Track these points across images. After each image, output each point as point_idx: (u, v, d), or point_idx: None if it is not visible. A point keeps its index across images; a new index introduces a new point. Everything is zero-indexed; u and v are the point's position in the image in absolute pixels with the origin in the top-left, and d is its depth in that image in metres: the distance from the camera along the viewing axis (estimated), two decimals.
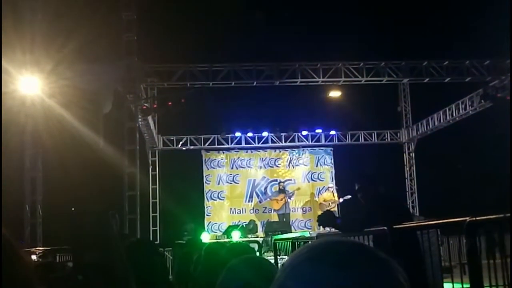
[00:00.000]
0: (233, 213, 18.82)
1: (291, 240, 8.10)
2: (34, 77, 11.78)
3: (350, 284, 0.86)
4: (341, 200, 17.13)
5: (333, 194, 17.70)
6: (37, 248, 10.79)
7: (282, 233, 15.30)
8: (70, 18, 11.46)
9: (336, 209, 17.43)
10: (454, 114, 17.29)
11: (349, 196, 16.25)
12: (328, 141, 19.80)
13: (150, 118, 16.21)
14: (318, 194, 19.11)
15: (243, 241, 11.62)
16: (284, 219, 17.60)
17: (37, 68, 11.77)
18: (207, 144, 19.24)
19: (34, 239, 13.19)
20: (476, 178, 15.98)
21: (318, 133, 19.65)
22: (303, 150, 19.58)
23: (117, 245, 2.26)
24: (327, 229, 6.86)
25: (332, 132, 19.66)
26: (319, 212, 17.61)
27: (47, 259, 7.68)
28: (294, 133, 19.50)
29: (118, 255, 2.23)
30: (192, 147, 19.25)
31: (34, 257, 8.51)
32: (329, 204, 17.61)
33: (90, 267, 2.20)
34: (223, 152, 19.28)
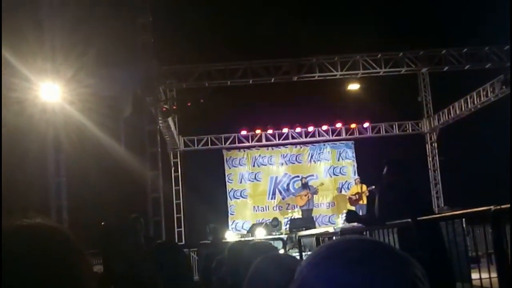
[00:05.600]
0: (256, 211, 18.86)
1: (315, 236, 8.09)
2: (55, 84, 11.93)
3: (368, 281, 0.86)
4: (367, 191, 17.09)
5: (360, 186, 17.63)
6: None
7: (306, 229, 15.29)
8: (88, 24, 11.57)
9: (364, 201, 17.36)
10: (475, 102, 17.09)
11: (373, 187, 16.21)
12: (349, 135, 19.72)
13: (170, 120, 16.30)
14: (341, 189, 19.07)
15: (266, 239, 11.63)
16: (308, 215, 17.59)
17: (58, 75, 11.92)
18: (227, 143, 19.29)
19: None
20: (501, 165, 15.74)
21: (338, 127, 19.58)
22: (324, 145, 19.53)
23: (144, 257, 2.30)
24: (352, 224, 6.93)
25: (353, 126, 19.56)
26: (348, 207, 17.75)
27: None
28: (314, 128, 19.45)
29: (145, 265, 2.27)
30: (213, 146, 19.33)
31: None
32: (355, 197, 17.57)
33: (119, 277, 2.24)
34: (244, 150, 19.32)
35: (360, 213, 16.89)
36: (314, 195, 18.13)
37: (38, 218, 1.12)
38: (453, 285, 4.45)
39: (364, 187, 17.42)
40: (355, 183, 18.14)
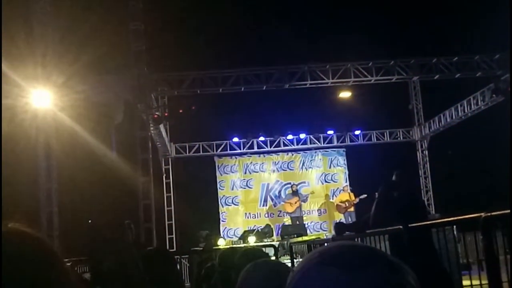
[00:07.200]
0: (248, 218, 18.81)
1: (307, 243, 8.09)
2: (46, 90, 11.88)
3: None
4: (357, 200, 17.10)
5: (349, 194, 17.67)
6: None
7: (297, 236, 15.29)
8: (80, 31, 11.56)
9: (353, 209, 17.40)
10: (466, 110, 17.18)
11: (365, 195, 16.21)
12: (340, 142, 19.75)
13: (162, 127, 16.26)
14: (333, 196, 19.07)
15: (258, 245, 11.61)
16: (298, 222, 17.58)
17: (49, 81, 11.88)
18: (219, 150, 19.26)
19: None
20: (491, 173, 15.83)
21: (330, 134, 19.61)
22: (315, 152, 19.54)
23: (132, 254, 2.29)
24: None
25: (344, 133, 19.61)
26: (336, 214, 17.75)
27: None
28: (306, 136, 19.47)
29: (133, 263, 2.26)
30: (204, 153, 19.30)
31: None
32: (345, 205, 17.57)
33: (107, 276, 2.22)
34: (236, 158, 19.29)
35: (350, 220, 16.94)
36: (304, 203, 18.11)
37: (10, 222, 1.10)
38: None
39: (353, 195, 17.45)
40: (344, 190, 18.19)
